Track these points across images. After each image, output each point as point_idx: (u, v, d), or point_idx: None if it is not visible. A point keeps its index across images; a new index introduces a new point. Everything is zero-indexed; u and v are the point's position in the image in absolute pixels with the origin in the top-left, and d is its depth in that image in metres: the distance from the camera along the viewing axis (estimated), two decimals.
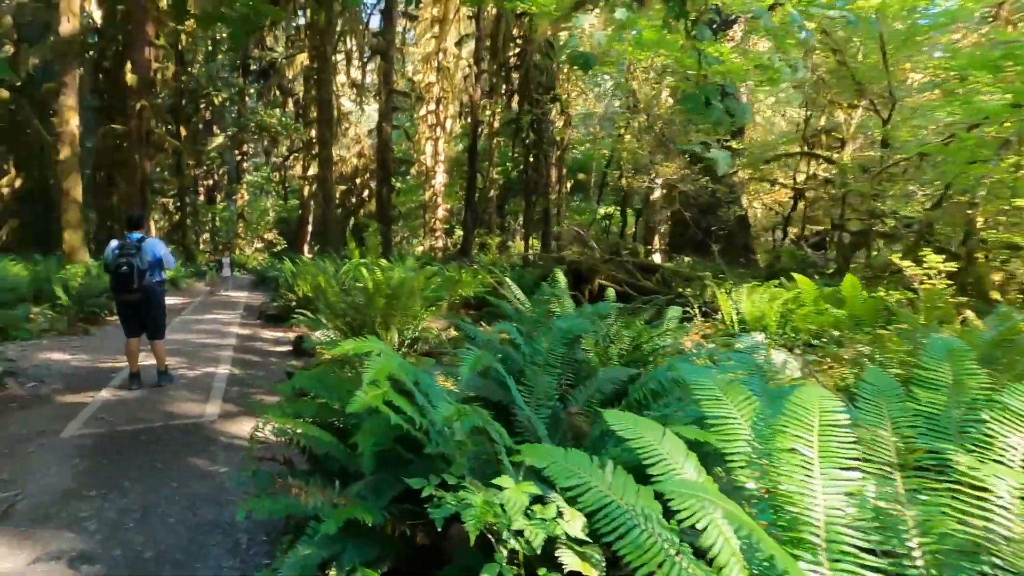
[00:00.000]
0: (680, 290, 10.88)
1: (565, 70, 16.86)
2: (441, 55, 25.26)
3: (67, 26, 19.67)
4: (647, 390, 2.99)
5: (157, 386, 6.70)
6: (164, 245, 6.54)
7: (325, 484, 2.73)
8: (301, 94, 27.19)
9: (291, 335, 10.51)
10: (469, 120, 19.46)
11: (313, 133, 25.09)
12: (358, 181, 28.94)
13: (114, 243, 6.30)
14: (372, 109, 33.71)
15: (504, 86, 17.74)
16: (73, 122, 19.56)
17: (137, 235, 6.26)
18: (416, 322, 6.74)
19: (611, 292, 6.99)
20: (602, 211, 25.57)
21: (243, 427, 5.51)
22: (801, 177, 14.49)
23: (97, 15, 25.37)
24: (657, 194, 15.19)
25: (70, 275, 12.98)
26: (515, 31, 17.54)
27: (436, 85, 24.03)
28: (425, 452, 2.31)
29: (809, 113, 14.01)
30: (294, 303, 11.13)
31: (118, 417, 5.73)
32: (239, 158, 30.71)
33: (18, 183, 25.06)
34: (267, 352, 8.97)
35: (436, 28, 26.35)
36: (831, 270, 11.54)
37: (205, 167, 28.80)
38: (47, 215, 30.09)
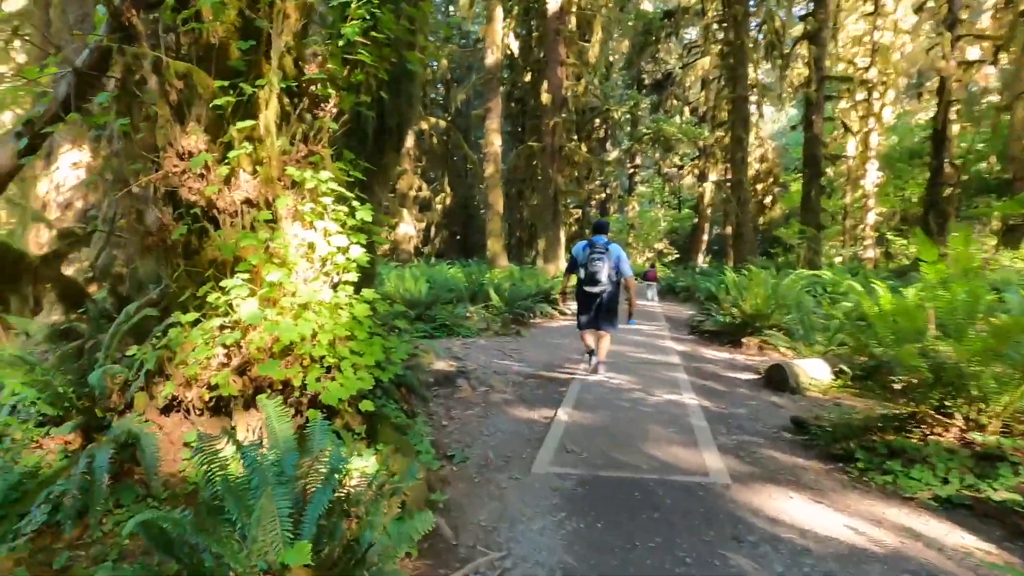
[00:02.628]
0: None
1: None
2: (877, 33, 20.84)
3: (491, 58, 21.67)
4: None
5: (594, 373, 6.98)
6: (624, 252, 6.75)
7: None
8: (701, 99, 25.70)
9: (741, 357, 8.53)
10: (936, 100, 15.04)
11: (715, 137, 23.23)
12: (759, 187, 26.17)
13: (582, 244, 6.79)
14: (771, 111, 30.52)
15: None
16: (496, 143, 21.35)
17: (602, 239, 6.60)
18: None
19: None
20: None
21: (774, 503, 3.55)
22: None
23: (514, 45, 27.90)
24: None
25: (499, 279, 13.36)
26: None
27: (872, 67, 19.80)
28: None
29: None
30: (738, 320, 9.18)
31: (592, 452, 4.36)
32: (631, 170, 30.79)
33: (448, 200, 28.96)
34: (727, 379, 7.07)
35: (868, 4, 22.04)
36: None
37: (600, 180, 29.55)
38: (468, 226, 34.76)
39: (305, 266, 3.88)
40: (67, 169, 5.21)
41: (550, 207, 19.68)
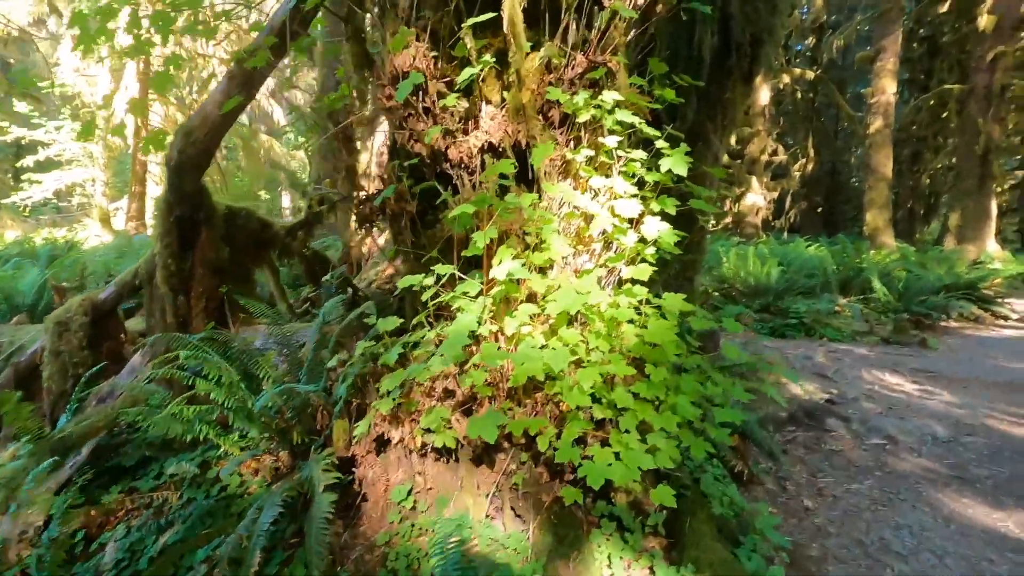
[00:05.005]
0: None
1: None
2: None
3: None
4: None
5: None
6: None
7: None
8: None
9: None
10: None
11: None
12: None
13: None
14: None
15: None
16: (889, 89, 16.84)
17: None
18: None
19: None
20: None
21: None
22: None
23: None
24: None
25: (886, 262, 10.03)
26: None
27: None
28: None
29: None
30: None
31: None
32: None
33: (809, 167, 24.52)
34: None
35: None
36: None
37: None
38: (833, 196, 29.36)
39: (564, 248, 2.31)
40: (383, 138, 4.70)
41: (974, 169, 14.69)
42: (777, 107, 24.32)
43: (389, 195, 2.49)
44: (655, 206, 2.37)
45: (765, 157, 19.13)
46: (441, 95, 2.49)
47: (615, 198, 2.36)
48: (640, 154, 2.41)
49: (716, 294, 9.21)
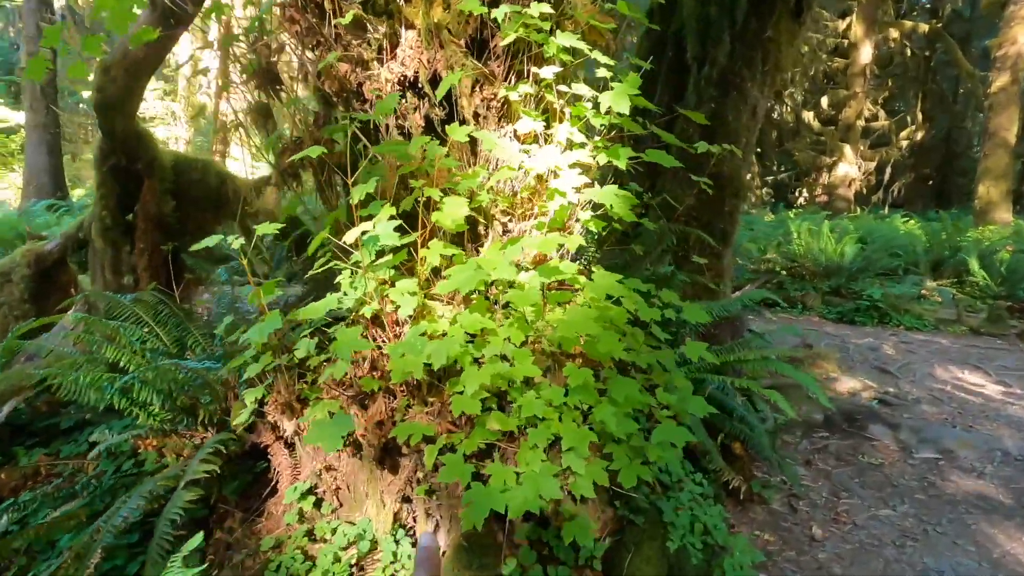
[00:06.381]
0: None
1: None
2: None
3: None
4: None
5: None
6: None
7: None
8: None
9: None
10: None
11: None
12: None
13: None
14: None
15: None
16: (1022, 39, 14.58)
17: None
18: None
19: None
20: None
21: None
22: None
23: None
24: None
25: (991, 240, 8.71)
26: None
27: None
28: None
29: None
30: None
31: None
32: None
33: (919, 134, 21.95)
34: None
35: None
36: None
37: None
38: (946, 167, 26.46)
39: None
40: None
41: None
42: (885, 67, 21.94)
43: (272, 142, 2.07)
44: (594, 155, 1.84)
45: (861, 123, 17.29)
46: (357, 19, 2.03)
47: (574, 146, 1.85)
48: (584, 90, 1.86)
49: (783, 272, 8.32)
